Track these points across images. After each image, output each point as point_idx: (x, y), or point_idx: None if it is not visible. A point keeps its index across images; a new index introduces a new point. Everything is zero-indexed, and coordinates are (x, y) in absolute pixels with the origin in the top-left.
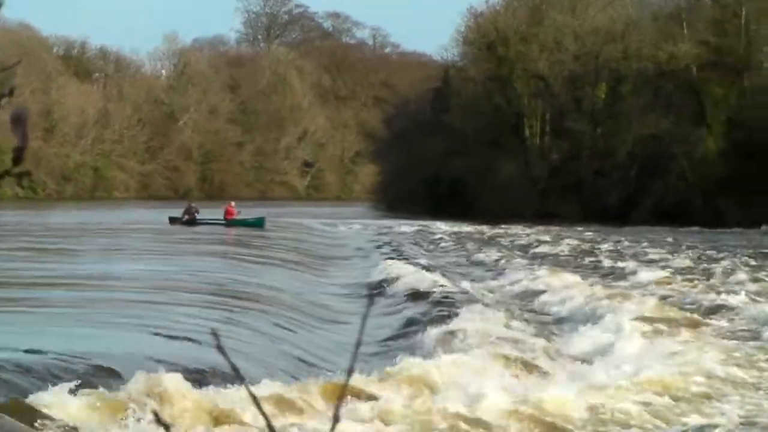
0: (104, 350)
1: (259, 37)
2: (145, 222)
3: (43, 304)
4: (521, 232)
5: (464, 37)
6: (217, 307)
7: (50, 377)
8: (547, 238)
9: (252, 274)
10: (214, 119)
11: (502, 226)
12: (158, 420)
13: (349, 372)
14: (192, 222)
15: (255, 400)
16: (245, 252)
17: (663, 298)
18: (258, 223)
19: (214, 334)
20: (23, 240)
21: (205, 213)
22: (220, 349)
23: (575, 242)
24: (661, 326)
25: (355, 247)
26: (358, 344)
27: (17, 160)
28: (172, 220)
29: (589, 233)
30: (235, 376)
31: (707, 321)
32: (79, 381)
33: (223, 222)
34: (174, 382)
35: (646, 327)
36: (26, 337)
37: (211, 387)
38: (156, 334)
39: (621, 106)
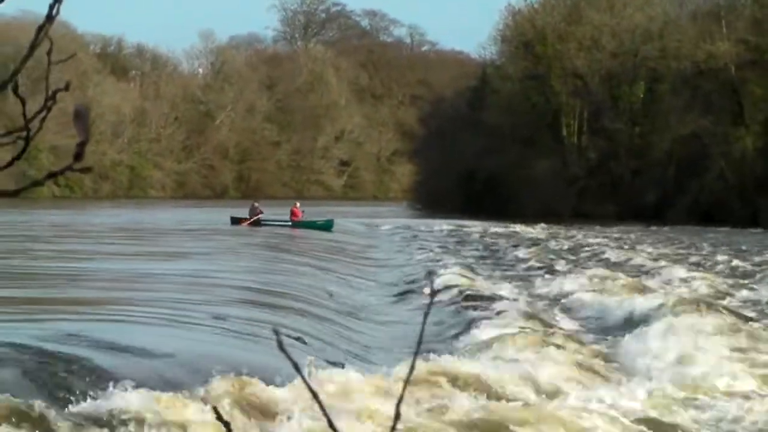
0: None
1: (296, 35)
2: (206, 222)
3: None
4: (563, 232)
5: (502, 35)
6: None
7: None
8: (587, 239)
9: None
10: (251, 118)
11: (539, 225)
12: (219, 417)
13: (411, 369)
14: (257, 223)
15: (315, 396)
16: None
17: (710, 299)
18: (327, 226)
19: (276, 331)
20: (104, 240)
21: (266, 213)
22: (281, 348)
23: (613, 242)
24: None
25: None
26: (420, 342)
27: (79, 155)
28: (235, 221)
29: (626, 233)
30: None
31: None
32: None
33: (289, 223)
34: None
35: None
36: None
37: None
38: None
39: (659, 105)
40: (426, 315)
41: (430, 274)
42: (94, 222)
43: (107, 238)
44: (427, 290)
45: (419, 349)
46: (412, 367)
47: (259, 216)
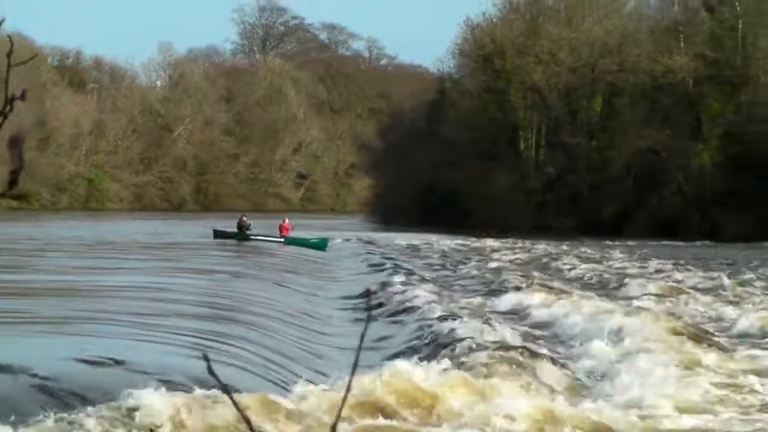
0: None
1: (255, 48)
2: (187, 235)
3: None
4: (520, 246)
5: (460, 50)
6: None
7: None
8: (541, 251)
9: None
10: (209, 130)
11: (497, 238)
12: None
13: (348, 385)
14: (244, 238)
15: (237, 407)
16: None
17: (664, 312)
18: (320, 245)
19: (206, 357)
20: (80, 254)
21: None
22: (211, 372)
23: (571, 257)
24: (669, 342)
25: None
26: (356, 364)
27: (13, 182)
28: (218, 234)
29: (583, 247)
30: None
31: (711, 336)
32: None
33: (280, 240)
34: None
35: (651, 343)
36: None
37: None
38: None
39: (617, 120)
40: (362, 336)
41: (369, 293)
42: (67, 236)
43: (110, 252)
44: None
45: (356, 368)
46: (349, 385)
47: (247, 230)
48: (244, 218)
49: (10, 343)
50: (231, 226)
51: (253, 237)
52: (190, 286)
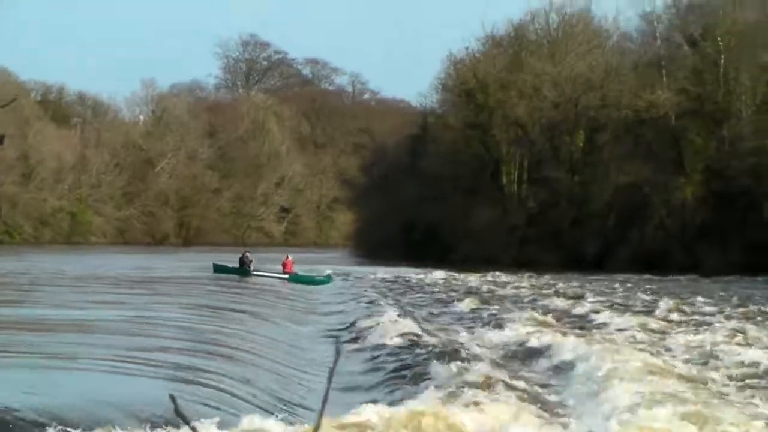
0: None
1: (238, 83)
2: (179, 270)
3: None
4: (502, 281)
5: (443, 84)
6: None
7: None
8: (521, 285)
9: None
10: (192, 165)
11: (478, 273)
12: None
13: (318, 423)
14: (246, 273)
15: None
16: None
17: (642, 344)
18: (325, 282)
19: (173, 398)
20: (96, 289)
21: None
22: (178, 413)
23: (553, 292)
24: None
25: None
26: (325, 400)
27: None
28: (218, 269)
29: (567, 281)
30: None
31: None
32: None
33: (284, 276)
34: None
35: (632, 374)
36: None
37: None
38: None
39: (599, 155)
40: (331, 372)
41: (338, 342)
42: (61, 269)
43: (109, 286)
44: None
45: (324, 408)
46: (319, 422)
47: (249, 265)
48: (247, 254)
49: None
50: (215, 260)
51: (255, 273)
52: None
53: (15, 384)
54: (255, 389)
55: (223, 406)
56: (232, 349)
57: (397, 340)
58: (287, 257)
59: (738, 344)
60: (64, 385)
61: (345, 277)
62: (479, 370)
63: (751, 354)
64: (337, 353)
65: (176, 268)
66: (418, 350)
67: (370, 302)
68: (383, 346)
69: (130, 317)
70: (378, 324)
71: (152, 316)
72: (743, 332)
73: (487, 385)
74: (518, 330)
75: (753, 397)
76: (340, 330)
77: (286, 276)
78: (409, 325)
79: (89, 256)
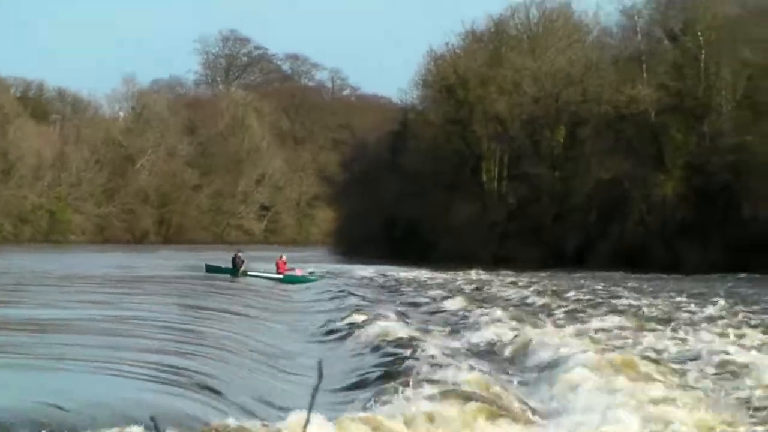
0: None
1: (218, 78)
2: (171, 269)
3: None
4: (482, 277)
5: (423, 80)
6: None
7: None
8: (500, 283)
9: None
10: (172, 162)
11: (458, 270)
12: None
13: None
14: (240, 274)
15: None
16: None
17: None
18: (316, 280)
19: (153, 420)
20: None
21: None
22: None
23: (534, 287)
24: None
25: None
26: (308, 421)
27: None
28: (210, 269)
29: (542, 278)
30: None
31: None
32: None
33: (279, 277)
34: None
35: (608, 375)
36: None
37: None
38: None
39: (579, 150)
40: (313, 397)
41: (320, 362)
42: (43, 268)
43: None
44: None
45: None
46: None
47: (240, 266)
48: (240, 254)
49: None
50: (198, 258)
51: (250, 274)
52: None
53: None
54: (236, 390)
55: (205, 407)
56: (217, 350)
57: (375, 340)
58: (281, 257)
59: (722, 343)
60: (46, 386)
61: (329, 275)
62: (455, 370)
63: (732, 354)
64: (320, 375)
65: (161, 267)
66: (395, 350)
67: (352, 301)
68: (360, 346)
69: (115, 317)
70: (356, 324)
71: (137, 315)
72: (726, 332)
73: (462, 384)
74: (496, 329)
75: (729, 395)
76: (320, 328)
77: (281, 276)
78: (389, 325)
79: (70, 255)
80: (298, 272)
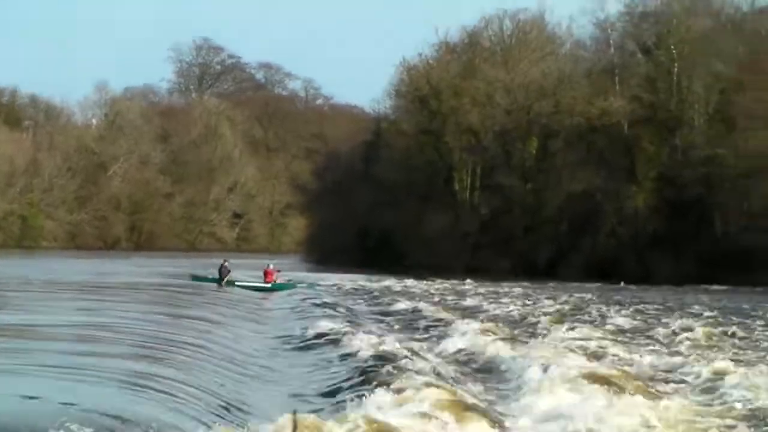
0: None
1: (191, 87)
2: (152, 276)
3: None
4: (452, 287)
5: (397, 90)
6: None
7: None
8: (473, 294)
9: None
10: (145, 169)
11: (429, 279)
12: None
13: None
14: (226, 283)
15: None
16: None
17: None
18: (310, 287)
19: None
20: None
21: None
22: None
23: (497, 298)
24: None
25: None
26: None
27: None
28: (195, 278)
29: (511, 288)
30: None
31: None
32: None
33: (266, 285)
34: None
35: (574, 383)
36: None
37: None
38: None
39: (552, 162)
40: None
41: (294, 413)
42: (20, 274)
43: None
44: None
45: None
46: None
47: (227, 275)
48: (226, 263)
49: None
50: (169, 266)
51: (237, 284)
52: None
53: None
54: (208, 397)
55: (176, 414)
56: (190, 358)
57: (345, 348)
58: (269, 266)
59: (692, 356)
60: (18, 390)
61: (302, 284)
62: (424, 379)
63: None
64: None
65: (136, 274)
66: (366, 359)
67: (323, 310)
68: (330, 354)
69: (90, 323)
70: (328, 333)
71: (112, 323)
72: (694, 343)
73: (431, 394)
74: (467, 339)
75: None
76: (291, 336)
77: (269, 285)
78: (359, 333)
79: (43, 260)
80: (280, 280)
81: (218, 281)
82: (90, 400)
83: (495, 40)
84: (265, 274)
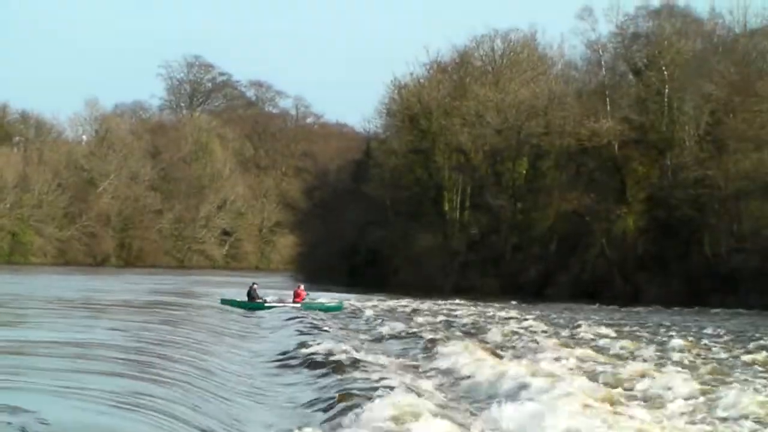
0: None
1: (182, 104)
2: (135, 293)
3: None
4: (440, 307)
5: (387, 109)
6: None
7: None
8: (460, 313)
9: None
10: (134, 186)
11: (417, 299)
12: None
13: None
14: (257, 307)
15: None
16: None
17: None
18: (337, 309)
19: None
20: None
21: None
22: None
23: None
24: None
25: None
26: None
27: None
28: (226, 302)
29: (499, 309)
30: None
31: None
32: None
33: (297, 305)
34: None
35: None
36: None
37: None
38: None
39: (541, 182)
40: None
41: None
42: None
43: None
44: None
45: None
46: None
47: (255, 296)
48: (255, 286)
49: None
50: (157, 282)
51: (268, 305)
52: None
53: None
54: (199, 415)
55: None
56: (181, 374)
57: (331, 365)
58: (300, 287)
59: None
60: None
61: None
62: (408, 394)
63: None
64: None
65: (130, 292)
66: (351, 375)
67: (312, 327)
68: (317, 371)
69: (80, 341)
70: (313, 348)
71: (103, 340)
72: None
73: (419, 413)
74: (457, 360)
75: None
76: (279, 355)
77: (299, 305)
78: (345, 350)
79: (34, 277)
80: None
81: (250, 306)
82: (76, 418)
83: (486, 59)
84: (296, 294)
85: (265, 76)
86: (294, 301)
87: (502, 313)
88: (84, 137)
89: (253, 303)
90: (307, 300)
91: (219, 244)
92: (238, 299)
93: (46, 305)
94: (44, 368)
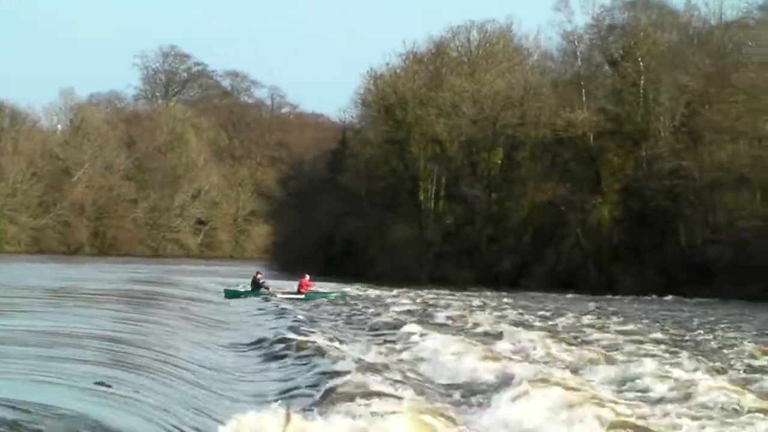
0: None
1: (158, 94)
2: (110, 282)
3: None
4: (415, 296)
5: (363, 99)
6: None
7: None
8: (435, 303)
9: None
10: (109, 175)
11: (393, 289)
12: None
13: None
14: (261, 295)
15: None
16: None
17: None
18: (341, 297)
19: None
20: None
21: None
22: None
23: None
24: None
25: None
26: None
27: None
28: (230, 294)
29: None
30: None
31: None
32: None
33: (300, 296)
34: None
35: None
36: None
37: None
38: None
39: (517, 172)
40: None
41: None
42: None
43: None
44: None
45: None
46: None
47: (261, 286)
48: (259, 275)
49: None
50: (133, 271)
51: (273, 294)
52: None
53: None
54: (174, 403)
55: (142, 420)
56: (158, 362)
57: (308, 354)
58: (306, 276)
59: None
60: None
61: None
62: (388, 385)
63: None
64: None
65: (104, 281)
66: (330, 365)
67: (288, 316)
68: (294, 360)
69: (55, 329)
70: (291, 339)
71: (78, 328)
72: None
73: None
74: (432, 347)
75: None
76: (256, 344)
77: (303, 296)
78: (324, 341)
79: (8, 265)
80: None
81: (254, 294)
82: (49, 403)
83: (462, 50)
84: (301, 284)
85: (241, 65)
86: (299, 291)
87: (477, 301)
88: (59, 126)
89: (257, 291)
90: (312, 290)
91: (194, 233)
92: (241, 289)
93: (23, 293)
94: (16, 356)
